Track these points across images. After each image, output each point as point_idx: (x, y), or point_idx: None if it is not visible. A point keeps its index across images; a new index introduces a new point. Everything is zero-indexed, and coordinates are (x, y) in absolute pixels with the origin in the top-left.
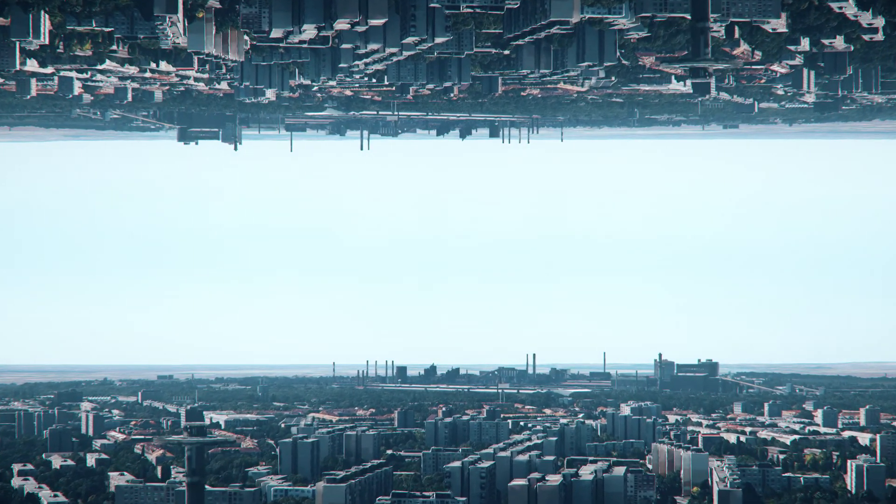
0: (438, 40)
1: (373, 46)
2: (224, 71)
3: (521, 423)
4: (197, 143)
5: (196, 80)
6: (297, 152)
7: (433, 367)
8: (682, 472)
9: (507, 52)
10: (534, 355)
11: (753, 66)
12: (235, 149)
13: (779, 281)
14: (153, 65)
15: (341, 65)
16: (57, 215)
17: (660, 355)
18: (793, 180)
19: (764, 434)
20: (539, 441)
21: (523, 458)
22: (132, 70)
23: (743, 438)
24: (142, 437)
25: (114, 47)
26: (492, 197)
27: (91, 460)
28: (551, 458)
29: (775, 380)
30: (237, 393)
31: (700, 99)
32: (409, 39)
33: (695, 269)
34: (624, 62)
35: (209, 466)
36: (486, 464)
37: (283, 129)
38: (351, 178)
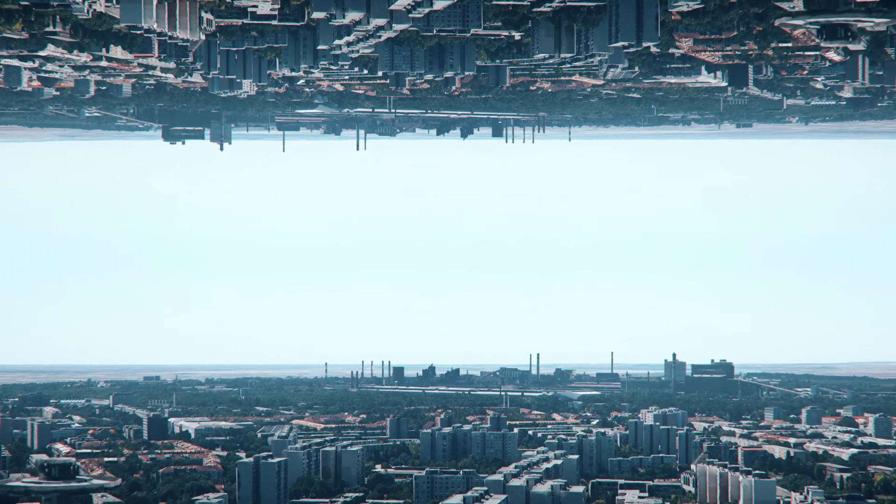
0: (438, 5)
1: (353, 16)
2: (192, 59)
3: (530, 433)
4: (184, 143)
5: (163, 70)
6: (290, 152)
7: (432, 368)
8: (740, 502)
9: (519, 34)
10: (537, 355)
11: (807, 52)
12: (221, 148)
13: (778, 280)
14: (104, 50)
15: (320, 46)
16: (60, 216)
17: (674, 355)
18: (802, 180)
19: (812, 447)
20: (557, 460)
21: (543, 488)
22: (84, 57)
23: (790, 452)
24: (89, 451)
25: (50, 28)
26: (494, 195)
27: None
28: (579, 489)
29: (792, 381)
30: (221, 396)
31: (725, 95)
32: (398, 4)
33: (694, 269)
34: (654, 49)
35: (155, 491)
36: (496, 499)
37: (273, 128)
38: (347, 177)
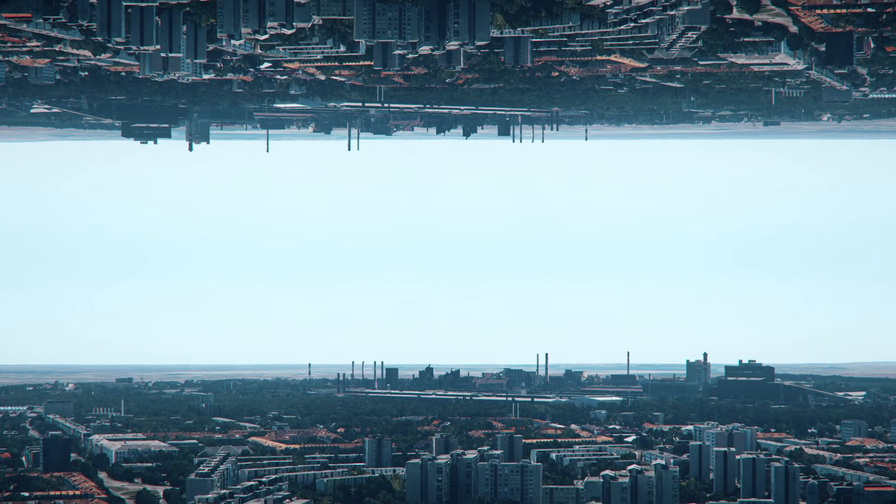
0: None
1: None
2: (102, 27)
3: (553, 456)
4: (156, 143)
5: (73, 45)
6: (275, 152)
7: (429, 369)
8: None
9: None
10: (546, 355)
11: None
12: (190, 148)
13: (776, 279)
14: None
15: None
16: (49, 218)
17: (704, 355)
18: (814, 181)
19: None
20: None
21: None
22: None
23: None
24: None
25: None
26: (499, 194)
27: None
28: None
29: (828, 383)
30: (182, 403)
31: (792, 81)
32: None
33: (693, 269)
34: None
35: None
36: None
37: (257, 125)
38: (340, 175)
